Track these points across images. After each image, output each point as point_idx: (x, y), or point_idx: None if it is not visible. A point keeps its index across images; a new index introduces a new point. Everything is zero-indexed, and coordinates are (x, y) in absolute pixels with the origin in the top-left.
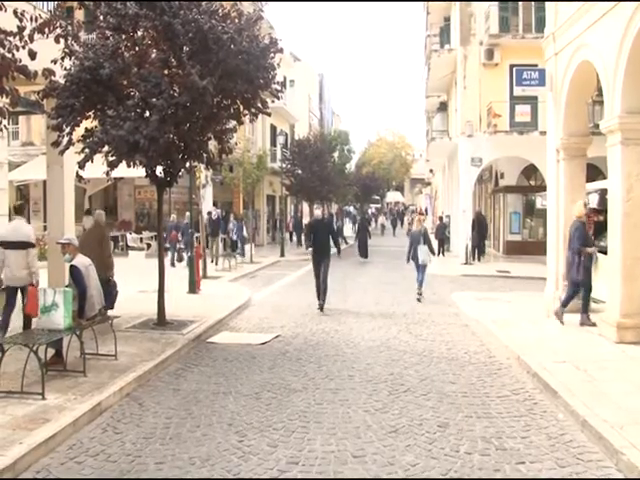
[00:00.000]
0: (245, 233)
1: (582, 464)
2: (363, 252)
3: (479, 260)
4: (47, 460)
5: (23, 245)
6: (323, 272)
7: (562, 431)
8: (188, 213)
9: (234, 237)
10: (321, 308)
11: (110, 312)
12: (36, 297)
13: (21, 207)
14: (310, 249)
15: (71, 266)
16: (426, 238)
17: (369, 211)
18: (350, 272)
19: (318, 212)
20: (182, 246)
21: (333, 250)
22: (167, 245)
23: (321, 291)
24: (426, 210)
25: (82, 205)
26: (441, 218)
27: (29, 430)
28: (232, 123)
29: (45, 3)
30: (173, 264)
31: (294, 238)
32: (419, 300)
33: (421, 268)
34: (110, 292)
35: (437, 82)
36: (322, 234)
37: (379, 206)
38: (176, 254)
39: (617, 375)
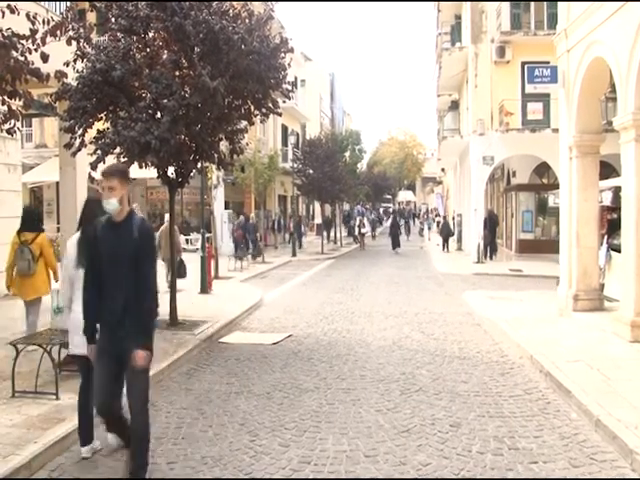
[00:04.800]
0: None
1: (596, 464)
2: (395, 244)
3: (491, 259)
4: (61, 459)
5: None
6: (135, 389)
7: (575, 431)
8: (253, 214)
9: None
10: None
11: None
12: None
13: None
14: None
15: None
16: None
17: (387, 209)
18: (362, 271)
19: (111, 204)
20: (249, 244)
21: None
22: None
23: (133, 450)
24: (437, 212)
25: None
26: (446, 217)
27: (43, 429)
28: (243, 123)
29: (57, 4)
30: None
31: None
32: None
33: None
34: (184, 267)
35: (448, 80)
36: (117, 267)
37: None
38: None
39: (631, 374)
